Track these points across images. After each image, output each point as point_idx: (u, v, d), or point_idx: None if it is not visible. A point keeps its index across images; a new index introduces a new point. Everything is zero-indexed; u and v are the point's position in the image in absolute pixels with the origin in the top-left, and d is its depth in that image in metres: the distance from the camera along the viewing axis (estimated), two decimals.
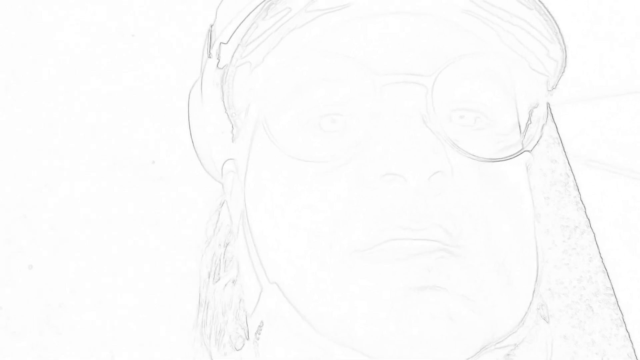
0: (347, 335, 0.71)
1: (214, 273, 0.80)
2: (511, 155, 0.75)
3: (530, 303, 0.75)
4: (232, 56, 0.75)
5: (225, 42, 0.76)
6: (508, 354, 0.75)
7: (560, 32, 0.78)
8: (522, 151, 0.77)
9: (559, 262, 0.90)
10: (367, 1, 0.74)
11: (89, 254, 0.85)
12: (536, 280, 0.77)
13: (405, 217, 0.70)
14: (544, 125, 0.81)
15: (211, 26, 0.80)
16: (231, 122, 0.79)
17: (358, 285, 0.70)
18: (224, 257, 0.80)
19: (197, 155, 0.83)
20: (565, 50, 0.78)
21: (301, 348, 0.74)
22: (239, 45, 0.74)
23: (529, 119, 0.80)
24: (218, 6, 0.80)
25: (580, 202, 0.93)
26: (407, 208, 0.70)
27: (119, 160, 0.88)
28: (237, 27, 0.75)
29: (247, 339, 0.77)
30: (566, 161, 0.93)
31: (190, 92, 0.82)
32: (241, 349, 0.77)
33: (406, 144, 0.70)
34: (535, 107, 0.81)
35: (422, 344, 0.69)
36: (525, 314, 0.74)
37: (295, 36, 0.75)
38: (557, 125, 0.93)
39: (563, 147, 0.93)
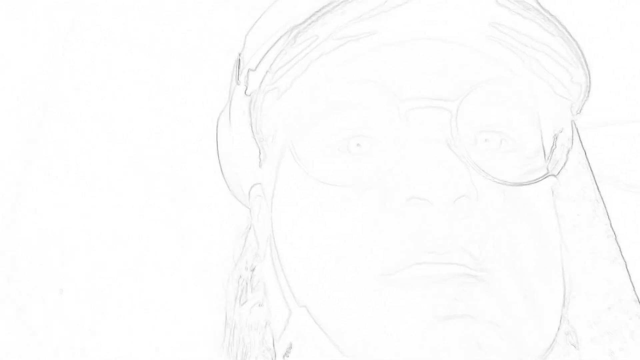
0: None
1: (241, 296, 0.81)
2: (536, 179, 0.76)
3: (558, 329, 0.75)
4: (261, 82, 0.76)
5: (254, 69, 0.77)
6: None
7: (584, 57, 0.79)
8: (547, 175, 0.77)
9: (589, 291, 0.89)
10: (392, 29, 0.76)
11: (117, 276, 0.87)
12: (563, 306, 0.76)
13: (430, 240, 0.71)
14: (569, 150, 0.81)
15: (239, 54, 0.82)
16: (259, 147, 0.80)
17: (385, 310, 0.71)
18: (250, 280, 0.81)
19: (225, 180, 0.84)
20: (589, 75, 0.78)
21: None
22: (267, 71, 0.76)
23: (554, 143, 0.80)
24: (246, 34, 0.82)
25: (611, 229, 0.92)
26: (432, 231, 0.71)
27: (149, 184, 0.89)
28: (265, 54, 0.77)
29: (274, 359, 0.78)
30: (595, 187, 0.92)
31: (218, 118, 0.84)
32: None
33: (431, 168, 0.71)
34: (559, 132, 0.81)
35: None
36: (553, 340, 0.74)
37: (323, 62, 0.76)
38: (586, 151, 0.93)
39: (592, 172, 0.92)
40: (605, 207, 0.91)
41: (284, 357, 0.76)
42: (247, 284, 0.81)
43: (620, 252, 0.90)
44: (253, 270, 0.81)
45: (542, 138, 0.79)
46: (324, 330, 0.73)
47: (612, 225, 0.91)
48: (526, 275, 0.73)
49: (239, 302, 0.81)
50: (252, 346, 0.79)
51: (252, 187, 0.81)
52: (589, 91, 0.79)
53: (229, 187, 0.84)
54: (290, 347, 0.75)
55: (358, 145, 0.75)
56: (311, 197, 0.75)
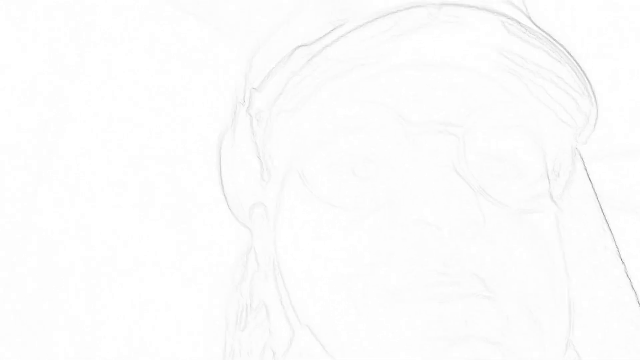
0: None
1: (240, 320, 0.79)
2: (542, 208, 0.77)
3: (564, 353, 0.75)
4: (273, 103, 0.77)
5: (257, 89, 0.78)
6: None
7: (591, 86, 0.80)
8: (551, 199, 0.78)
9: (600, 321, 0.88)
10: (402, 54, 0.76)
11: (113, 299, 0.85)
12: (569, 330, 0.76)
13: (438, 261, 0.71)
14: (571, 178, 0.82)
15: (246, 75, 0.83)
16: (263, 167, 0.80)
17: (390, 330, 0.71)
18: (250, 304, 0.80)
19: (226, 200, 0.84)
20: (596, 105, 0.79)
21: None
22: (279, 94, 0.76)
23: (558, 172, 0.81)
24: (252, 57, 0.82)
25: (620, 259, 0.91)
26: (440, 254, 0.71)
27: (145, 202, 0.89)
28: (269, 74, 0.77)
29: None
30: (603, 217, 0.91)
31: (222, 136, 0.84)
32: None
33: (439, 193, 0.72)
34: (563, 160, 0.81)
35: None
36: None
37: (332, 85, 0.77)
38: (593, 181, 0.92)
39: (599, 202, 0.91)
40: (613, 237, 0.90)
41: None
42: (247, 307, 0.80)
43: (631, 283, 0.89)
44: (253, 291, 0.80)
45: (546, 164, 0.79)
46: (326, 349, 0.73)
47: (620, 254, 0.90)
48: (532, 297, 0.73)
49: (238, 328, 0.79)
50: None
51: (253, 207, 0.81)
52: (596, 120, 0.80)
53: (229, 208, 0.83)
54: None
55: (365, 168, 0.75)
56: (317, 219, 0.75)
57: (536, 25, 0.81)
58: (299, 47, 0.78)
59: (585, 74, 0.81)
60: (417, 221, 0.72)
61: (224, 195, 0.83)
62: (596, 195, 0.91)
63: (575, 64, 0.79)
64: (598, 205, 0.90)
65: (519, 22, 0.78)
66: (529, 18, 0.82)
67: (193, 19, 0.92)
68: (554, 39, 0.79)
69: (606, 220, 0.90)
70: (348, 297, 0.72)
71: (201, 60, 0.91)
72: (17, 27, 0.91)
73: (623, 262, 0.89)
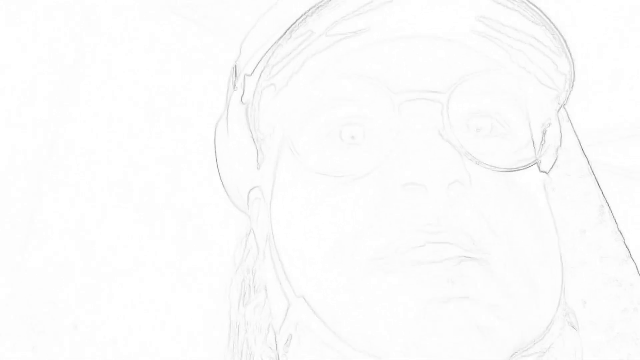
0: (372, 346, 0.72)
1: (243, 297, 0.81)
2: (527, 165, 0.77)
3: (557, 309, 0.75)
4: (258, 79, 0.79)
5: (250, 74, 0.80)
6: None
7: (567, 46, 0.81)
8: (537, 160, 0.79)
9: (600, 294, 0.88)
10: (384, 26, 0.78)
11: (120, 283, 0.87)
12: (562, 289, 0.77)
13: (425, 223, 0.72)
14: (557, 147, 0.83)
15: (235, 61, 0.85)
16: (257, 149, 0.82)
17: (381, 294, 0.72)
18: (252, 282, 0.81)
19: (224, 188, 0.85)
20: (573, 64, 0.80)
21: (328, 359, 0.74)
22: (264, 67, 0.78)
23: (543, 138, 0.82)
24: (242, 42, 0.85)
25: (618, 232, 0.92)
26: (427, 215, 0.72)
27: (146, 202, 0.91)
28: (261, 59, 0.80)
29: (278, 359, 0.77)
30: (600, 192, 0.92)
31: (216, 126, 0.86)
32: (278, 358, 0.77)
33: (425, 156, 0.73)
34: (547, 126, 0.82)
35: (450, 356, 0.70)
36: (551, 321, 0.75)
37: (318, 59, 0.79)
38: (588, 157, 0.93)
39: (595, 178, 0.93)
40: (611, 211, 0.91)
41: (284, 347, 0.75)
42: (249, 286, 0.81)
43: (630, 254, 0.90)
44: (254, 273, 0.81)
45: (531, 130, 0.80)
46: (320, 317, 0.74)
47: (619, 228, 0.91)
48: (524, 258, 0.74)
49: (242, 304, 0.81)
50: (256, 346, 0.79)
51: (250, 191, 0.83)
52: (573, 81, 0.81)
53: (228, 195, 0.85)
54: (290, 338, 0.75)
55: (352, 137, 0.77)
56: (308, 189, 0.76)
57: None
58: (285, 29, 0.80)
59: (561, 34, 0.82)
60: (404, 184, 0.73)
61: (222, 183, 0.85)
62: (592, 170, 0.92)
63: (551, 24, 0.80)
64: (594, 180, 0.91)
65: None
66: None
67: (192, 23, 0.95)
68: (528, 0, 0.81)
69: (604, 195, 0.91)
70: (338, 264, 0.73)
71: (201, 60, 0.94)
72: (17, 26, 0.94)
73: (622, 236, 0.90)
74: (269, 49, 0.78)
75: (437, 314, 0.70)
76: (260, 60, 0.79)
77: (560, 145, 0.83)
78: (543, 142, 0.82)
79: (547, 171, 0.82)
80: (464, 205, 0.73)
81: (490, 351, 0.70)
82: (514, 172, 0.77)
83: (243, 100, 0.81)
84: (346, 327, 0.73)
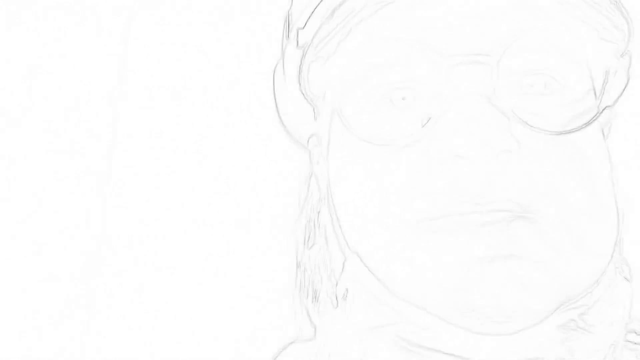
0: (422, 300, 0.76)
1: (308, 239, 0.85)
2: (578, 127, 0.77)
3: (607, 264, 0.77)
4: (304, 55, 0.80)
5: (302, 28, 0.81)
6: (583, 313, 0.76)
7: (621, 4, 0.79)
8: (593, 119, 0.78)
9: None
10: None
11: (187, 232, 0.92)
12: (615, 242, 0.78)
13: (470, 193, 0.74)
14: (625, 85, 0.82)
15: (288, 11, 0.85)
16: (311, 105, 0.84)
17: (430, 253, 0.74)
18: (317, 223, 0.85)
19: (285, 127, 0.88)
20: (630, 21, 0.79)
21: (381, 313, 0.78)
22: (310, 44, 0.79)
23: (606, 79, 0.81)
24: None
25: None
26: (473, 186, 0.74)
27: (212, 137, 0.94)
28: (312, 14, 0.80)
29: (337, 304, 0.82)
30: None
31: (274, 70, 0.87)
32: (337, 307, 0.82)
33: (472, 125, 0.74)
34: (609, 74, 0.81)
35: (494, 312, 0.73)
36: (600, 276, 0.76)
37: (364, 26, 0.79)
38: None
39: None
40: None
41: (342, 299, 0.80)
42: (314, 226, 0.85)
43: None
44: (318, 214, 0.85)
45: (592, 79, 0.79)
46: (374, 273, 0.78)
47: None
48: (574, 217, 0.75)
49: (307, 245, 0.85)
50: (321, 285, 0.84)
51: (309, 138, 0.85)
52: (632, 35, 0.80)
53: (289, 133, 0.88)
54: (347, 292, 0.80)
55: (403, 98, 0.77)
56: (359, 156, 0.79)
57: None
58: None
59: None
60: (449, 157, 0.74)
61: (282, 122, 0.87)
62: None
63: None
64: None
65: None
66: None
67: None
68: None
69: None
70: (389, 225, 0.76)
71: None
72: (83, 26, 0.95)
73: None
74: (317, 11, 0.79)
75: (483, 272, 0.72)
76: (311, 16, 0.79)
77: (623, 92, 0.83)
78: (606, 82, 0.81)
79: (612, 104, 0.81)
80: (512, 173, 0.74)
81: (532, 305, 0.73)
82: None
83: (298, 48, 0.82)
84: (398, 283, 0.76)
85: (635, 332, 0.80)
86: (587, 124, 0.77)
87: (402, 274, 0.76)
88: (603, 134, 0.83)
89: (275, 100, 0.87)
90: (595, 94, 0.79)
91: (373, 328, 0.78)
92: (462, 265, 0.73)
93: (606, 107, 0.79)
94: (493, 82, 0.75)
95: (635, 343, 0.80)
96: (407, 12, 0.78)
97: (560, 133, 0.76)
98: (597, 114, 0.78)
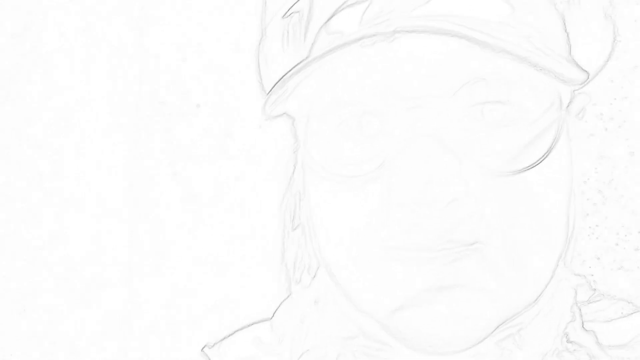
0: (381, 320, 0.82)
1: (293, 220, 0.87)
2: (532, 165, 0.79)
3: (547, 284, 0.81)
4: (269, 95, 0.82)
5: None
6: (521, 329, 0.79)
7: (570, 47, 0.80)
8: (546, 154, 0.79)
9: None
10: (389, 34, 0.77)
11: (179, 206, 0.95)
12: (559, 258, 0.81)
13: (419, 236, 0.78)
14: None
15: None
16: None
17: (386, 278, 0.80)
18: (300, 205, 0.87)
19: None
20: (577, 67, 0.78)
21: (346, 326, 0.84)
22: (273, 89, 0.81)
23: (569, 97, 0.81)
24: None
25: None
26: (421, 230, 0.78)
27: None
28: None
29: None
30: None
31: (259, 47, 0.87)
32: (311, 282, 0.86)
33: (423, 173, 0.77)
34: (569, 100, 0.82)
35: (439, 337, 0.79)
36: (538, 297, 0.81)
37: (324, 67, 0.80)
38: None
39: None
40: None
41: (314, 305, 0.84)
42: (295, 208, 0.87)
43: None
44: (301, 197, 0.86)
45: (558, 93, 0.78)
46: (340, 287, 0.83)
47: None
48: (518, 245, 0.79)
49: (292, 227, 0.87)
50: (303, 266, 0.87)
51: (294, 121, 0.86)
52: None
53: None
54: (318, 301, 0.84)
55: (368, 122, 0.79)
56: (324, 186, 0.82)
57: None
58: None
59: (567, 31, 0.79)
60: (401, 204, 0.77)
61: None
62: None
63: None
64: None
65: None
66: None
67: None
68: None
69: None
70: (353, 252, 0.81)
71: None
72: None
73: None
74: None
75: (430, 301, 0.78)
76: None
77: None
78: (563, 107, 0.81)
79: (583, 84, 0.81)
80: (460, 217, 0.77)
81: (473, 332, 0.79)
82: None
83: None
84: (360, 302, 0.82)
85: (568, 339, 0.82)
86: (538, 162, 0.76)
87: (364, 293, 0.81)
88: (577, 119, 0.83)
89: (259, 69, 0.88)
90: (561, 104, 0.79)
91: (338, 339, 0.82)
92: (413, 294, 0.79)
93: (543, 159, 0.79)
94: (445, 125, 0.76)
95: (576, 346, 0.82)
96: (364, 56, 0.79)
97: (513, 173, 0.78)
98: (548, 152, 0.78)
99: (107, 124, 0.98)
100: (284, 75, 0.80)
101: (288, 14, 0.82)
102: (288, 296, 0.87)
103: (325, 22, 0.80)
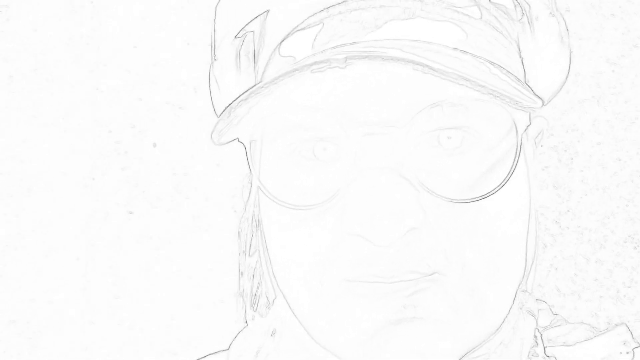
0: (339, 355, 0.79)
1: (249, 247, 0.86)
2: (490, 193, 0.77)
3: (507, 314, 0.79)
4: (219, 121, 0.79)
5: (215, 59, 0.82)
6: (485, 359, 0.80)
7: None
8: (502, 184, 0.77)
9: None
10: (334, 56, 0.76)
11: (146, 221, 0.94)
12: (517, 289, 0.80)
13: (375, 267, 0.75)
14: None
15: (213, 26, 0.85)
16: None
17: (344, 312, 0.77)
18: (256, 230, 0.85)
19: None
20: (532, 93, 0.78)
21: (301, 357, 0.82)
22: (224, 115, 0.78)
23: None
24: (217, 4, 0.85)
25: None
26: (377, 261, 0.75)
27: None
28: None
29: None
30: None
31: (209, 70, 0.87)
32: (267, 312, 0.84)
33: (377, 203, 0.74)
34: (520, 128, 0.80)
35: None
36: (498, 327, 0.79)
37: (275, 92, 0.77)
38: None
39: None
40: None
41: (270, 337, 0.82)
42: (252, 234, 0.85)
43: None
44: (258, 221, 0.85)
45: (513, 120, 0.78)
46: (298, 319, 0.81)
47: None
48: (476, 276, 0.76)
49: (247, 254, 0.86)
50: (260, 294, 0.85)
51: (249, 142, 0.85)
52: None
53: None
54: (275, 332, 0.82)
55: (324, 149, 0.77)
56: (277, 216, 0.80)
57: None
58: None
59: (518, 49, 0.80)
60: (357, 234, 0.75)
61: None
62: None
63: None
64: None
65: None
66: None
67: None
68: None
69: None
70: (309, 284, 0.78)
71: None
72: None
73: None
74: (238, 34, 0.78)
75: (389, 335, 0.76)
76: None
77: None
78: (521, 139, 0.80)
79: (542, 105, 0.81)
80: (416, 247, 0.75)
81: None
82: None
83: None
84: (318, 334, 0.79)
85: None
86: (496, 190, 0.77)
87: (323, 328, 0.78)
88: (535, 143, 0.83)
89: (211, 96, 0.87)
90: (517, 130, 0.78)
91: None
92: (369, 328, 0.76)
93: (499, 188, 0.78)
94: (402, 152, 0.75)
95: None
96: (317, 82, 0.77)
97: (468, 201, 0.76)
98: (505, 180, 0.77)
99: (62, 162, 0.97)
100: (231, 102, 0.77)
101: (240, 34, 0.81)
102: (244, 327, 0.85)
103: (278, 45, 0.79)
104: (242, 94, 0.77)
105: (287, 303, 0.80)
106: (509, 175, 0.78)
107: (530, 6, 0.81)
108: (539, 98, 0.78)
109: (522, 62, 0.81)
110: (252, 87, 0.77)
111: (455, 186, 0.76)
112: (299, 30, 0.79)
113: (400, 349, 0.75)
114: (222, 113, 0.78)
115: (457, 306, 0.76)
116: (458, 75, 0.73)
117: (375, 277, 0.75)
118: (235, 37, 0.81)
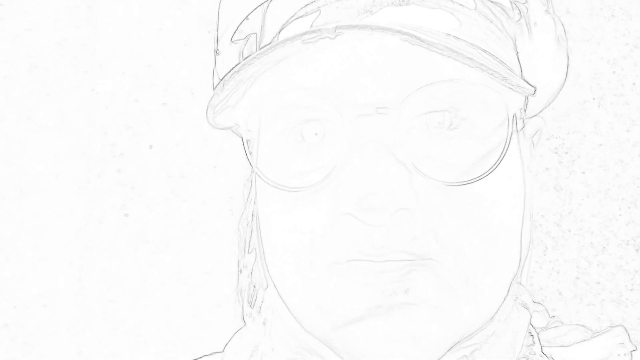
0: (328, 340, 0.78)
1: (247, 245, 0.85)
2: (480, 176, 0.76)
3: (501, 304, 0.78)
4: (211, 101, 0.79)
5: (219, 54, 0.82)
6: (476, 349, 0.78)
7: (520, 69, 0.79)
8: (494, 167, 0.77)
9: None
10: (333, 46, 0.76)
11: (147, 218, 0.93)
12: (513, 278, 0.79)
13: (367, 246, 0.74)
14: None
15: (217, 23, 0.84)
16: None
17: (334, 296, 0.76)
18: (255, 227, 0.84)
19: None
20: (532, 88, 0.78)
21: (294, 349, 0.80)
22: (215, 95, 0.78)
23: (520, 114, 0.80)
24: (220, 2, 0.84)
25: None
26: (371, 240, 0.74)
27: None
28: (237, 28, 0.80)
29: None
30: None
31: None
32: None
33: (371, 182, 0.74)
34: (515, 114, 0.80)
35: (390, 357, 0.75)
36: (492, 316, 0.78)
37: (269, 74, 0.78)
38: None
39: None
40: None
41: (262, 327, 0.81)
42: (251, 232, 0.85)
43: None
44: (257, 218, 0.84)
45: (506, 107, 0.77)
46: (288, 308, 0.79)
47: None
48: (469, 264, 0.75)
49: (246, 251, 0.85)
50: (258, 290, 0.84)
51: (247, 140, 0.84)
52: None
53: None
54: (266, 321, 0.81)
55: (315, 134, 0.77)
56: (271, 200, 0.79)
57: None
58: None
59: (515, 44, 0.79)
60: (348, 213, 0.74)
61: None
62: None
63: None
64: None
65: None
66: None
67: None
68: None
69: None
70: (300, 267, 0.77)
71: None
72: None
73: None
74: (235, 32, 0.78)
75: (380, 319, 0.74)
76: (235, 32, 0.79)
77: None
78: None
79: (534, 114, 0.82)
80: (408, 227, 0.74)
81: (425, 352, 0.75)
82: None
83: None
84: (308, 322, 0.78)
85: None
86: (482, 177, 0.75)
87: (312, 312, 0.77)
88: (532, 143, 0.82)
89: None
90: (508, 122, 0.77)
91: None
92: (360, 311, 0.75)
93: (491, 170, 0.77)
94: (395, 134, 0.74)
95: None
96: (312, 63, 0.77)
97: (461, 184, 0.76)
98: (497, 162, 0.76)
99: (56, 164, 0.96)
100: (225, 75, 0.77)
101: (243, 37, 0.81)
102: (241, 328, 0.84)
103: (277, 33, 0.79)
104: (235, 65, 0.77)
105: (277, 291, 0.79)
106: (499, 160, 0.77)
107: (528, 9, 0.81)
108: (530, 85, 0.77)
109: (518, 57, 0.81)
110: (246, 58, 0.77)
111: (449, 171, 0.76)
112: (297, 18, 0.78)
113: (390, 334, 0.74)
114: (216, 86, 0.78)
115: (452, 292, 0.75)
116: (446, 46, 0.73)
117: (365, 255, 0.74)
118: (236, 30, 0.81)
